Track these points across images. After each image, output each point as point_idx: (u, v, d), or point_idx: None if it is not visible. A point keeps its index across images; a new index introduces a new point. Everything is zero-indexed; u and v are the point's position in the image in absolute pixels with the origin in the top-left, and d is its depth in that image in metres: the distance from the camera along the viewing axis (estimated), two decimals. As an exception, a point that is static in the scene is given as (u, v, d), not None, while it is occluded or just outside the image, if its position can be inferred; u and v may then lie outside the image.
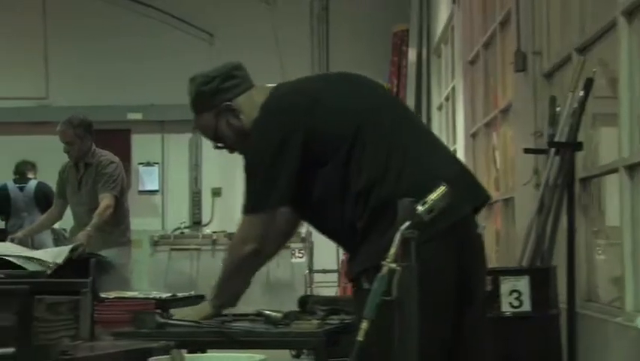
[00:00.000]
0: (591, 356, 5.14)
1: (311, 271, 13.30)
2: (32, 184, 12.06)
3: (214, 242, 13.90)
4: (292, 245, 13.76)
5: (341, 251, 14.28)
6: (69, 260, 7.42)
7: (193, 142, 15.57)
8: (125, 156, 15.44)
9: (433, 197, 2.94)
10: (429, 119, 14.23)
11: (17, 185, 12.17)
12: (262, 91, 3.75)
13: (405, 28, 14.76)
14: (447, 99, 12.99)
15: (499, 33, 8.18)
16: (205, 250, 13.81)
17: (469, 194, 3.33)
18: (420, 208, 2.94)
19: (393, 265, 3.02)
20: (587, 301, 5.51)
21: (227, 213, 15.50)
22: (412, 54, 14.44)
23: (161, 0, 15.38)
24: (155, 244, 13.58)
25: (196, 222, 15.33)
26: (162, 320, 3.59)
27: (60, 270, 7.27)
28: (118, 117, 15.38)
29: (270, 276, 13.29)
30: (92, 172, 7.91)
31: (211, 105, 3.69)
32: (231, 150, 3.70)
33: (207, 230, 14.77)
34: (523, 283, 4.92)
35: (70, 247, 7.44)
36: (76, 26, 15.41)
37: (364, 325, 3.05)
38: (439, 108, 13.92)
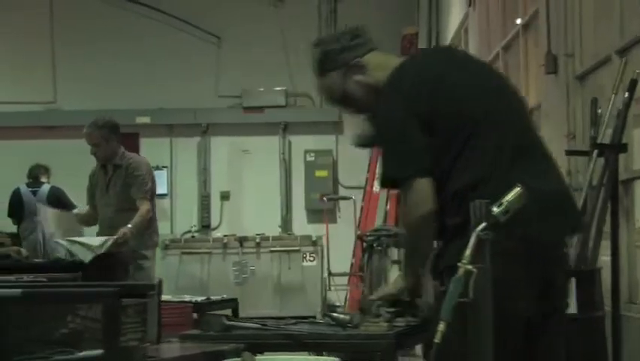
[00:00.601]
0: (635, 358, 5.14)
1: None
2: (45, 188, 12.05)
3: (225, 245, 13.86)
4: (303, 248, 13.77)
5: (352, 254, 14.34)
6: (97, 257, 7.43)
7: (202, 146, 15.56)
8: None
9: (508, 198, 2.94)
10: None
11: (30, 189, 12.16)
12: (389, 55, 3.74)
13: (414, 31, 14.77)
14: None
15: (522, 35, 8.17)
16: (216, 253, 13.77)
17: (569, 219, 3.39)
18: (495, 210, 2.94)
19: (469, 267, 3.02)
20: (628, 303, 5.51)
21: (235, 217, 15.51)
22: (421, 57, 14.44)
23: (168, 3, 15.37)
24: (165, 247, 13.54)
25: (205, 226, 15.30)
26: (228, 323, 3.57)
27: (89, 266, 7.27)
28: (126, 121, 15.26)
29: (281, 279, 13.30)
30: (121, 174, 7.89)
31: (340, 63, 3.64)
32: (359, 111, 3.65)
33: (218, 233, 14.74)
34: (569, 286, 4.91)
35: (114, 238, 7.47)
36: (84, 30, 15.38)
37: (441, 327, 3.04)
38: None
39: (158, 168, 15.55)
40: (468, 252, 3.09)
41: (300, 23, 15.49)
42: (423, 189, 3.33)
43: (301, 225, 15.37)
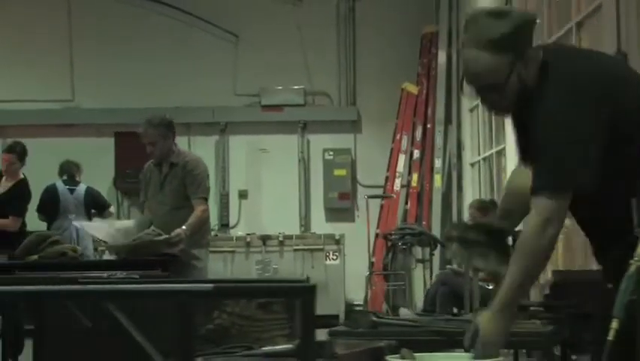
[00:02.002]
0: None
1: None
2: (82, 188, 11.98)
3: (248, 244, 13.88)
4: (326, 247, 13.79)
5: (370, 254, 14.35)
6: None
7: (219, 144, 15.52)
8: (151, 159, 15.39)
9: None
10: (459, 122, 14.27)
11: (67, 187, 12.07)
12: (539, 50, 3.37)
13: (434, 29, 14.78)
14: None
15: (576, 33, 8.18)
16: (239, 251, 13.78)
17: None
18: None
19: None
20: None
21: (253, 216, 15.48)
22: (441, 56, 14.48)
23: (186, 1, 15.34)
24: (188, 246, 13.51)
25: (224, 225, 15.26)
26: (376, 320, 3.56)
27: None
28: (144, 119, 15.29)
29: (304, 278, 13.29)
30: (177, 172, 7.82)
31: (516, 48, 3.28)
32: (500, 105, 3.41)
33: (239, 232, 14.72)
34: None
35: (167, 236, 7.42)
36: (102, 28, 15.33)
37: (614, 324, 3.01)
38: (471, 110, 13.94)
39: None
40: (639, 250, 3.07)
41: (318, 22, 15.48)
42: (564, 207, 3.17)
43: (320, 224, 15.35)
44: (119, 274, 5.33)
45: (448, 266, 10.06)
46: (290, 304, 3.44)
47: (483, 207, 9.61)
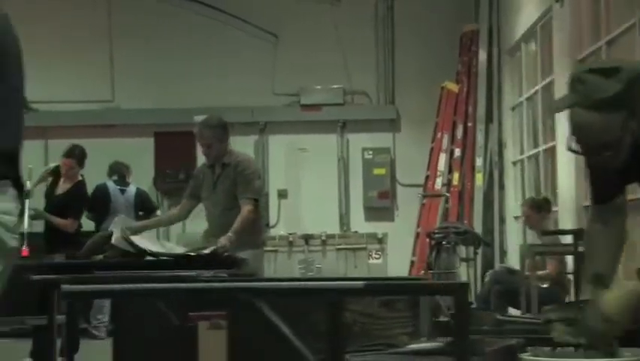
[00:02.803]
0: None
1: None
2: (132, 189, 12.03)
3: (290, 243, 13.90)
4: (369, 246, 13.79)
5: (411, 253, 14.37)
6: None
7: (259, 144, 15.54)
8: (190, 158, 15.41)
9: None
10: (500, 120, 14.26)
11: (119, 187, 12.11)
12: None
13: (474, 28, 14.77)
14: (528, 98, 13.02)
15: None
16: (282, 251, 13.80)
17: None
18: None
19: None
20: None
21: (293, 215, 15.50)
22: (482, 54, 14.47)
23: (225, 1, 15.36)
24: (231, 246, 13.54)
25: (264, 225, 15.26)
26: (500, 318, 3.56)
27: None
28: (183, 120, 15.33)
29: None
30: (229, 173, 7.80)
31: (629, 104, 3.19)
32: (614, 167, 3.30)
33: (281, 231, 14.74)
34: None
35: (213, 248, 7.44)
36: (142, 29, 15.36)
37: None
38: (513, 108, 13.92)
39: (216, 166, 15.57)
40: None
41: (357, 21, 15.50)
42: None
43: (359, 223, 15.36)
44: (206, 273, 5.32)
45: (502, 264, 10.04)
46: (413, 302, 3.45)
47: (537, 205, 9.60)
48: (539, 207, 9.55)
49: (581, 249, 8.42)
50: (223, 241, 7.49)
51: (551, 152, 12.03)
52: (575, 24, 9.95)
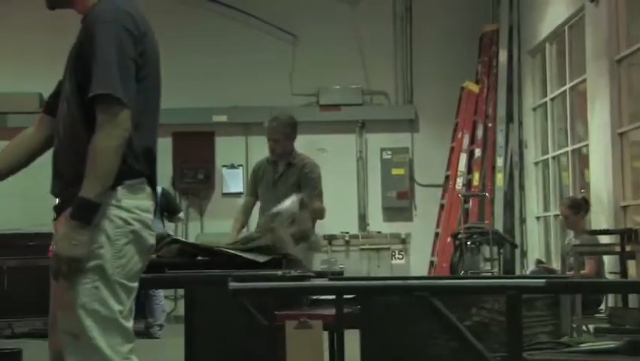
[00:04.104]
0: None
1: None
2: (158, 189, 11.91)
3: (313, 244, 13.83)
4: (392, 247, 13.77)
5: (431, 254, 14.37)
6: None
7: (277, 144, 15.45)
8: (209, 158, 15.39)
9: None
10: (520, 120, 14.26)
11: None
12: None
13: (495, 28, 14.77)
14: (552, 99, 13.02)
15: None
16: (298, 250, 13.74)
17: None
18: None
19: None
20: None
21: (310, 215, 15.42)
22: (502, 55, 14.47)
23: (244, 1, 15.32)
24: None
25: (283, 225, 15.20)
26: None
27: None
28: (202, 119, 15.32)
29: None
30: (294, 172, 7.83)
31: None
32: None
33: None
34: None
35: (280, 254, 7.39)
36: (160, 28, 14.95)
37: None
38: (534, 109, 13.92)
39: (233, 166, 15.52)
40: None
41: (375, 21, 15.49)
42: None
43: (378, 223, 15.33)
44: (293, 272, 5.30)
45: (541, 264, 10.03)
46: (553, 301, 3.42)
47: (576, 205, 9.59)
48: (578, 207, 9.53)
49: (629, 248, 8.44)
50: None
51: (578, 152, 12.05)
52: (611, 24, 9.94)
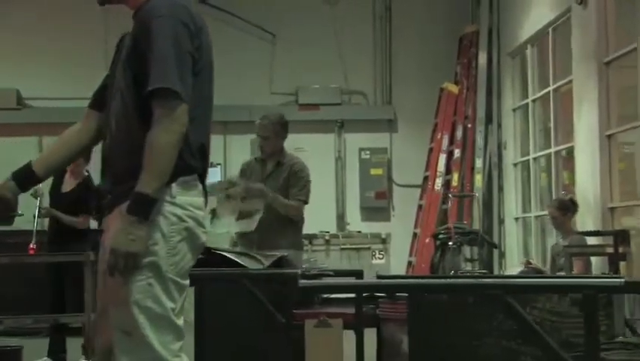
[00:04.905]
0: None
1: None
2: None
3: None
4: (373, 246, 13.78)
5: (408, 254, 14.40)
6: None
7: (256, 143, 15.38)
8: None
9: None
10: (499, 122, 14.32)
11: None
12: None
13: (474, 29, 14.82)
14: (534, 100, 13.09)
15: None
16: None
17: None
18: None
19: None
20: None
21: (289, 215, 15.41)
22: (482, 56, 14.52)
23: (224, 1, 15.27)
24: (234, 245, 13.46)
25: (259, 223, 15.18)
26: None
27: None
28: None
29: (350, 277, 13.27)
30: (282, 171, 7.83)
31: None
32: None
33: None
34: None
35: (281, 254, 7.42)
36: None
37: None
38: (514, 110, 13.99)
39: (211, 165, 15.43)
40: None
41: (355, 21, 15.50)
42: None
43: (356, 222, 15.35)
44: (313, 271, 5.29)
45: (530, 265, 10.07)
46: (606, 301, 3.43)
47: (564, 206, 9.64)
48: (566, 209, 9.58)
49: (620, 250, 8.51)
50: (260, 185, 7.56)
51: (559, 153, 12.13)
52: (600, 26, 10.01)
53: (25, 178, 3.76)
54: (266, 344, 5.56)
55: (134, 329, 3.35)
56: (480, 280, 2.86)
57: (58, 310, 9.74)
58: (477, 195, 13.53)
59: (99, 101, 3.81)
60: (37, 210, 10.99)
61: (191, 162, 3.49)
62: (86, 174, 10.44)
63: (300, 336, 5.46)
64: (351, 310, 5.39)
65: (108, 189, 3.60)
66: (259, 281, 5.20)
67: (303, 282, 3.14)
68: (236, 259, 7.31)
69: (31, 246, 10.92)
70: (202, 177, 3.59)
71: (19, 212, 4.03)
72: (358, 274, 5.48)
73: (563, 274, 8.70)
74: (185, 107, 3.39)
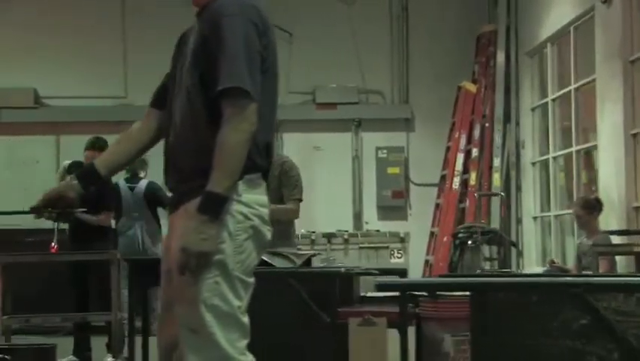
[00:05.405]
0: None
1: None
2: (143, 184, 11.61)
3: (312, 242, 13.89)
4: (391, 245, 13.78)
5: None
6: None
7: (273, 142, 15.43)
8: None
9: None
10: (517, 121, 14.31)
11: (128, 185, 11.85)
12: None
13: (492, 29, 14.81)
14: (554, 99, 13.08)
15: None
16: (303, 249, 13.72)
17: None
18: None
19: None
20: None
21: (306, 213, 15.01)
22: (500, 55, 14.51)
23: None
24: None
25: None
26: None
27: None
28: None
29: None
30: (274, 170, 7.78)
31: None
32: None
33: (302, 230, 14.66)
34: None
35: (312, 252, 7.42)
36: (155, 25, 15.19)
37: None
38: (533, 109, 13.98)
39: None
40: None
41: (372, 20, 15.49)
42: None
43: (372, 221, 15.34)
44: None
45: (554, 264, 10.05)
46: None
47: (589, 205, 9.61)
48: (591, 208, 9.55)
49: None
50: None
51: (580, 152, 12.12)
52: (625, 25, 9.99)
53: (89, 178, 3.78)
54: (308, 342, 5.55)
55: (200, 327, 3.35)
56: (559, 278, 2.85)
57: (82, 308, 9.74)
58: (503, 194, 13.51)
59: (160, 99, 3.83)
60: (57, 214, 10.93)
61: (258, 161, 3.49)
62: None
63: (343, 334, 5.45)
64: (391, 308, 5.38)
65: (172, 187, 3.60)
66: (304, 280, 5.19)
67: (379, 280, 3.13)
68: (268, 260, 7.33)
69: (53, 245, 10.93)
70: (265, 175, 3.59)
71: (82, 209, 4.04)
72: (402, 272, 5.47)
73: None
74: (255, 106, 3.40)
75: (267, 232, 3.54)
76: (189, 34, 3.71)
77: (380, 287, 3.18)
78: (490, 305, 3.51)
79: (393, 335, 5.39)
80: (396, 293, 5.12)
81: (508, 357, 3.52)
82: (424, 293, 5.28)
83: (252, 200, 3.45)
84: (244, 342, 3.43)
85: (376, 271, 5.45)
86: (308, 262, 7.47)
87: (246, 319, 3.44)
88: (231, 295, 3.37)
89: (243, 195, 3.42)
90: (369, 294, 6.19)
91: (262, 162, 3.53)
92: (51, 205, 3.77)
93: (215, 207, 3.29)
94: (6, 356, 6.16)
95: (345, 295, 5.65)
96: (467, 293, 5.55)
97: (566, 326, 3.39)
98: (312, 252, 7.42)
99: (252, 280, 3.47)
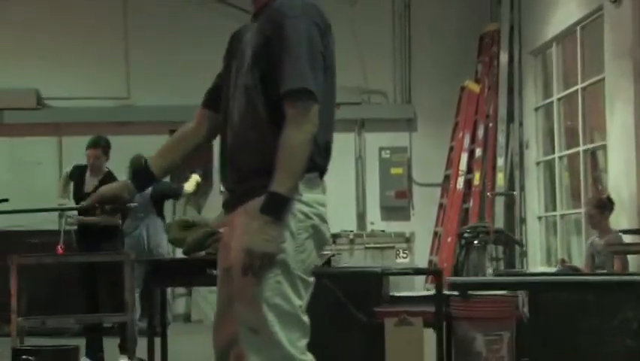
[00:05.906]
0: None
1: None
2: None
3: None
4: (397, 245, 13.77)
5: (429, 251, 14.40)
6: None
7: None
8: (207, 155, 15.25)
9: None
10: (521, 121, 14.31)
11: None
12: None
13: (495, 28, 14.80)
14: (559, 99, 13.08)
15: None
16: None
17: None
18: None
19: None
20: None
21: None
22: (503, 55, 14.51)
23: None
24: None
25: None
26: None
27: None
28: (200, 117, 15.19)
29: (375, 276, 13.24)
30: None
31: None
32: None
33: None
34: None
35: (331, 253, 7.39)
36: (157, 26, 15.20)
37: None
38: (536, 109, 13.98)
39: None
40: None
41: (374, 20, 15.47)
42: None
43: (376, 222, 15.33)
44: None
45: (565, 263, 10.07)
46: None
47: (601, 204, 9.63)
48: (603, 207, 9.57)
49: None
50: None
51: (587, 152, 12.12)
52: (635, 24, 10.00)
53: (144, 179, 3.78)
54: (344, 342, 5.54)
55: (261, 326, 3.33)
56: (631, 277, 2.83)
57: (92, 310, 9.69)
58: (515, 193, 13.51)
59: (212, 100, 3.82)
60: (64, 219, 10.94)
61: (318, 160, 3.50)
62: (107, 169, 10.34)
63: (379, 334, 5.44)
64: (423, 308, 5.36)
65: (230, 187, 3.59)
66: (339, 280, 5.18)
67: (451, 279, 3.10)
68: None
69: (60, 246, 10.89)
70: (322, 175, 3.59)
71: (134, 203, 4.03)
72: (437, 273, 5.46)
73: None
74: (318, 107, 3.41)
75: (327, 231, 3.53)
76: (243, 33, 3.69)
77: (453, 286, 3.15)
78: (545, 305, 3.50)
79: (426, 334, 5.37)
80: (428, 293, 5.08)
81: (567, 354, 3.52)
82: (455, 293, 5.26)
83: (312, 199, 3.45)
84: (304, 341, 3.42)
85: (411, 271, 5.42)
86: (328, 262, 7.47)
87: (306, 318, 3.43)
88: (293, 294, 3.36)
89: (304, 195, 3.42)
90: (398, 294, 6.19)
91: (322, 161, 3.53)
92: (105, 204, 3.75)
93: (278, 208, 3.29)
94: (30, 358, 6.14)
95: (378, 295, 5.64)
96: (501, 293, 5.54)
97: (624, 325, 3.38)
98: (331, 253, 7.40)
99: (312, 279, 3.46)
